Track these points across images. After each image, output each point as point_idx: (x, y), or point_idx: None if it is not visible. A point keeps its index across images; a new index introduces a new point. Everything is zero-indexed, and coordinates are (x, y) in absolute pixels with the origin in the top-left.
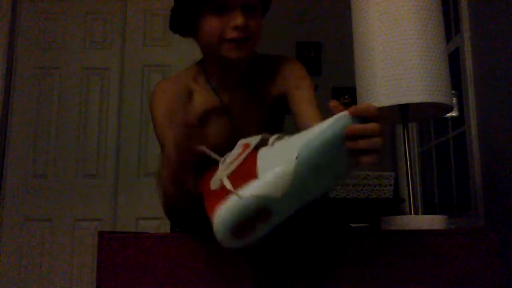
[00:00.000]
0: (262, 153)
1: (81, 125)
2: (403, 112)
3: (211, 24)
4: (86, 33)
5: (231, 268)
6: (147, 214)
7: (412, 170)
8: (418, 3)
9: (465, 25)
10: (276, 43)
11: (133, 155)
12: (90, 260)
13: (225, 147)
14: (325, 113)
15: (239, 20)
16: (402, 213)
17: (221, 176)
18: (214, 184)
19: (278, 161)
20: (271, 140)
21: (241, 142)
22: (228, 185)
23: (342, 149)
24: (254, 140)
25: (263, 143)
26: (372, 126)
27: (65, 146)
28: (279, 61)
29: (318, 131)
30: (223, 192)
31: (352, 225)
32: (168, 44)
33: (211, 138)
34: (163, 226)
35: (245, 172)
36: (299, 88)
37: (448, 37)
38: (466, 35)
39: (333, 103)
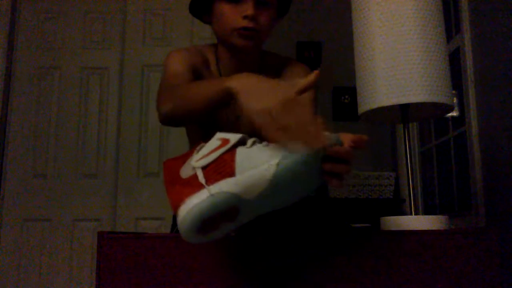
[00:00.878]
0: (241, 151)
1: (81, 125)
2: (404, 112)
3: (224, 12)
4: (86, 33)
5: (230, 268)
6: (146, 214)
7: (413, 170)
8: (418, 3)
9: (466, 25)
10: (276, 43)
11: (132, 155)
12: (90, 260)
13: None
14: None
15: (249, 10)
16: (403, 213)
17: (195, 165)
18: (185, 171)
19: (258, 163)
20: (249, 141)
21: (219, 135)
22: (201, 178)
23: (318, 167)
24: (234, 137)
25: (240, 143)
26: (351, 151)
27: (64, 146)
28: (288, 63)
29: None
30: (194, 183)
31: (353, 225)
32: (168, 44)
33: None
34: (163, 226)
35: (221, 167)
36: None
37: (449, 37)
38: (467, 35)
39: (319, 119)
